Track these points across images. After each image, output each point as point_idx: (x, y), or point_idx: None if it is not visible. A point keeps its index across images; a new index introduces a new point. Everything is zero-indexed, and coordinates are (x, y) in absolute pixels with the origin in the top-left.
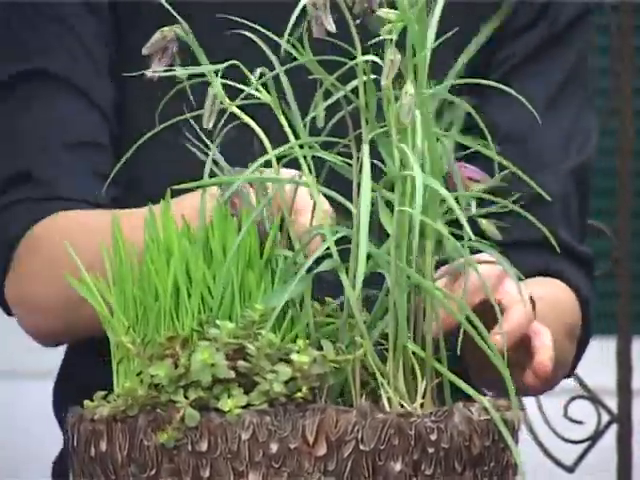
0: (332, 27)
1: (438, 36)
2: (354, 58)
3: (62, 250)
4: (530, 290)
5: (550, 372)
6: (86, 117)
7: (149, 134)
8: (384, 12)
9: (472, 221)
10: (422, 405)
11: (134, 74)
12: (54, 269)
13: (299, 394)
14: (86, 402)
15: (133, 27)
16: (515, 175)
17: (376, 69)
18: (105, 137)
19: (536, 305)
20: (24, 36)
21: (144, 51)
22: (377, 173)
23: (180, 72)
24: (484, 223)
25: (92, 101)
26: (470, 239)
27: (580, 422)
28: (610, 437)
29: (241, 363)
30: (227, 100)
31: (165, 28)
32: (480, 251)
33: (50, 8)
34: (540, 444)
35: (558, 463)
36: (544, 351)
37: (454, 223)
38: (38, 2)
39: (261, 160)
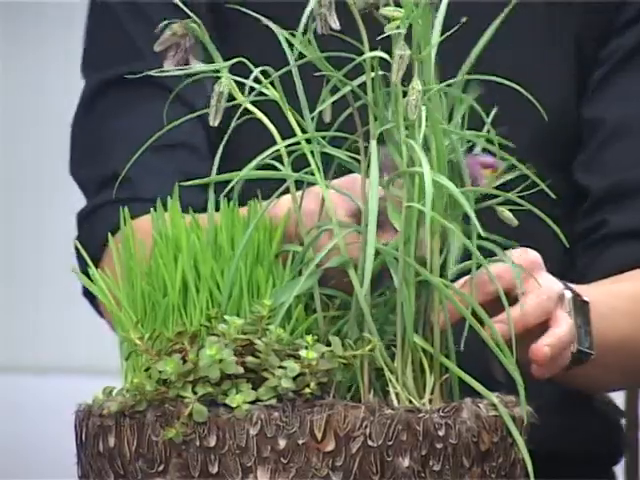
0: (336, 24)
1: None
2: (362, 54)
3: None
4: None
5: (546, 358)
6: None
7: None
8: (388, 10)
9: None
10: (430, 401)
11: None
12: None
13: (307, 390)
14: (94, 396)
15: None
16: None
17: (385, 65)
18: (200, 140)
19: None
20: (122, 39)
21: (155, 48)
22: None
23: (190, 70)
24: (500, 210)
25: (186, 103)
26: (480, 236)
27: None
28: None
29: (250, 359)
30: (240, 96)
31: (175, 24)
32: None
33: (149, 11)
34: None
35: None
36: (547, 336)
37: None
38: (139, 4)
39: (269, 152)
